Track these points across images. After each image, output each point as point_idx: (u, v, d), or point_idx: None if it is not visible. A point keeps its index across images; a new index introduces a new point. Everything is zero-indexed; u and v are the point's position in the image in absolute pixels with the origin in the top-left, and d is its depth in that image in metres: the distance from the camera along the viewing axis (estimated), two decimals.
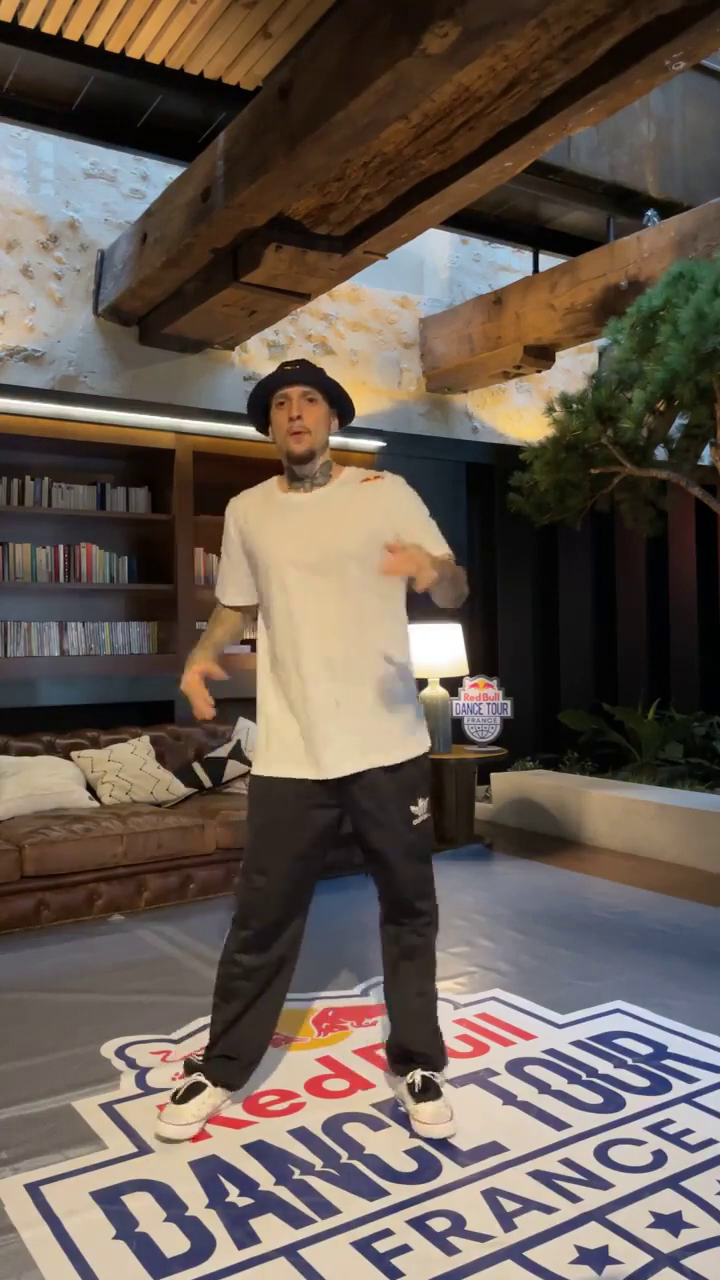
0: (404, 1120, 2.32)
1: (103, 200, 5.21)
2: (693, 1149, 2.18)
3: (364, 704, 2.29)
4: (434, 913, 2.42)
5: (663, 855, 4.94)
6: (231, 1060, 2.35)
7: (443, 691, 5.21)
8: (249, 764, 4.39)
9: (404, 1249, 1.85)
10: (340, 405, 2.39)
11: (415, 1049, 2.38)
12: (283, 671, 2.31)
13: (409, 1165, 2.14)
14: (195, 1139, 2.26)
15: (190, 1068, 2.40)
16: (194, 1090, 2.31)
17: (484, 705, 5.37)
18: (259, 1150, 2.21)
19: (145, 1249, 1.87)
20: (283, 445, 2.33)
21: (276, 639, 2.32)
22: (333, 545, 2.29)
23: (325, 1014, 2.98)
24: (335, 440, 5.89)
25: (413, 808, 2.32)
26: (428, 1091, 2.30)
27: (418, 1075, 2.33)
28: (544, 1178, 2.08)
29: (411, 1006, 2.39)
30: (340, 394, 2.38)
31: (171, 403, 5.28)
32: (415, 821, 2.33)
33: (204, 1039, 2.76)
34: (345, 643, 2.28)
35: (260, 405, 2.38)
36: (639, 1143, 2.22)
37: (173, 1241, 1.89)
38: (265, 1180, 2.09)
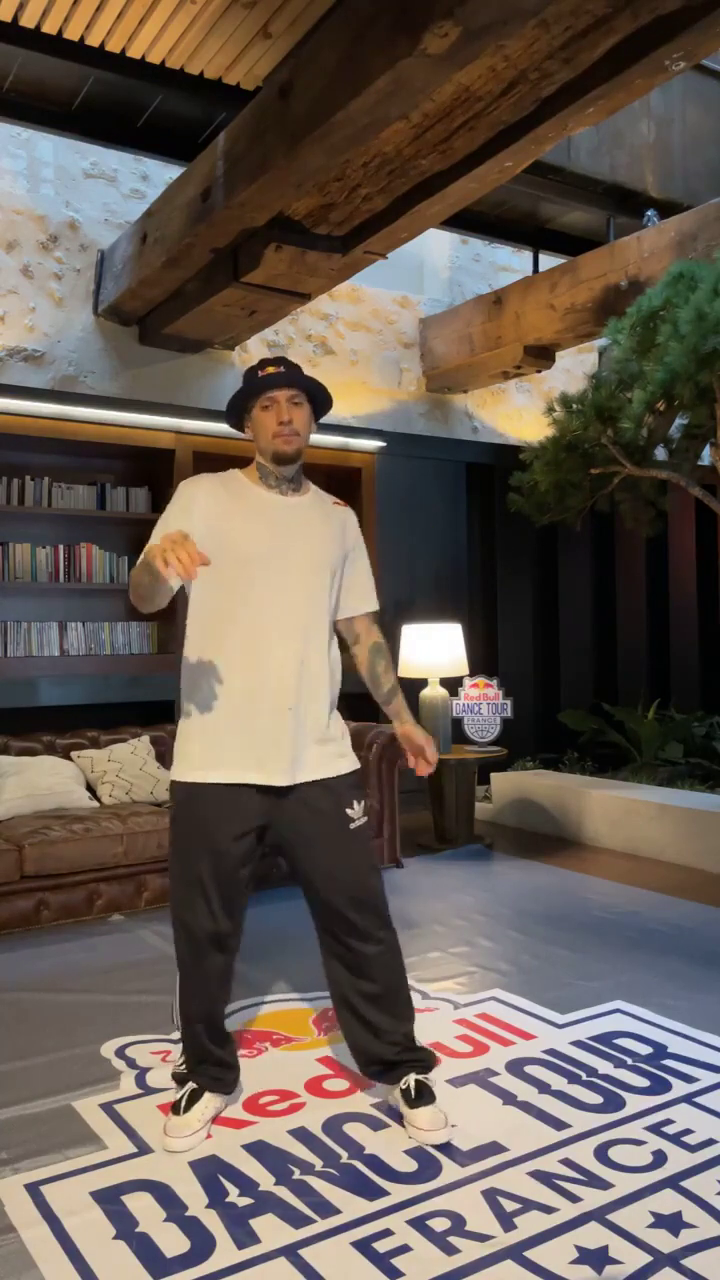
0: (403, 1120, 2.32)
1: (103, 200, 5.21)
2: (693, 1149, 2.18)
3: (318, 712, 2.28)
4: (391, 925, 2.34)
5: (663, 855, 4.94)
6: (221, 1067, 2.35)
7: (443, 691, 5.21)
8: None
9: (404, 1249, 1.85)
10: (319, 403, 2.36)
11: (396, 1052, 2.32)
12: (238, 669, 2.23)
13: (409, 1165, 2.14)
14: None
15: (181, 1080, 2.37)
16: (194, 1098, 2.29)
17: (484, 705, 5.37)
18: (259, 1150, 2.21)
19: (145, 1249, 1.87)
20: (269, 446, 2.29)
21: (233, 635, 2.23)
22: (313, 554, 2.30)
23: (325, 1014, 2.98)
24: (334, 441, 5.94)
25: (349, 810, 2.29)
26: (423, 1096, 2.28)
27: (411, 1080, 2.30)
28: (544, 1178, 2.08)
29: (390, 1017, 2.33)
30: (321, 394, 2.35)
31: (171, 403, 5.28)
32: (352, 825, 2.29)
33: None
34: (306, 648, 2.26)
35: (242, 403, 2.33)
36: (639, 1143, 2.22)
37: (173, 1241, 1.89)
38: (265, 1180, 2.09)
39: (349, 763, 2.34)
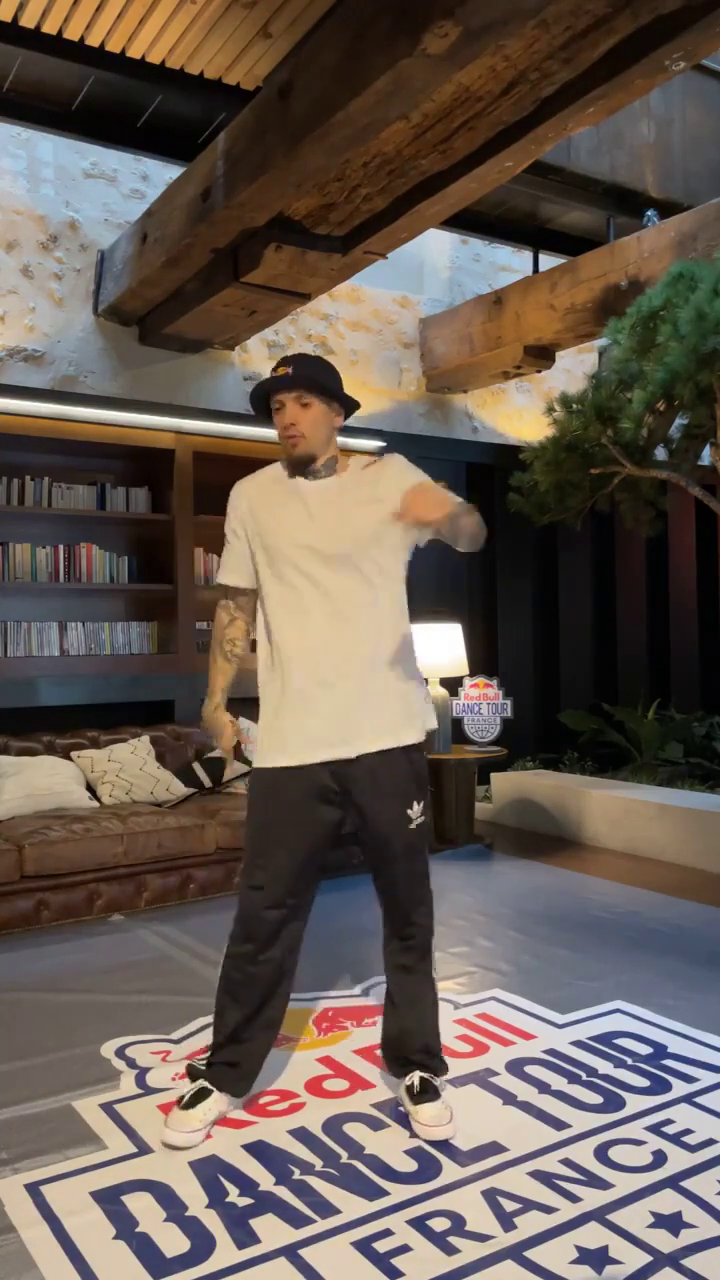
0: (404, 1120, 2.32)
1: (103, 200, 5.21)
2: (693, 1149, 2.18)
3: (374, 686, 2.29)
4: (430, 920, 2.40)
5: (663, 855, 4.94)
6: (234, 1067, 2.33)
7: (443, 691, 5.21)
8: (249, 764, 4.39)
9: (404, 1249, 1.85)
10: (341, 400, 2.35)
11: (413, 1054, 2.36)
12: (290, 659, 2.29)
13: (409, 1165, 2.14)
14: None
15: (194, 1073, 2.38)
16: (200, 1096, 2.29)
17: (484, 705, 5.37)
18: (259, 1150, 2.21)
19: (145, 1249, 1.87)
20: (283, 448, 2.35)
21: (284, 625, 2.30)
22: (344, 532, 2.29)
23: (325, 1014, 2.98)
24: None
25: (409, 811, 2.32)
26: (426, 1093, 2.29)
27: (416, 1077, 2.33)
28: (544, 1178, 2.08)
29: (411, 1011, 2.38)
30: (338, 390, 2.34)
31: (171, 403, 5.28)
32: (411, 825, 2.32)
33: (204, 1039, 2.77)
34: (355, 628, 2.28)
35: (264, 409, 2.37)
36: (639, 1143, 2.22)
37: (173, 1241, 1.89)
38: (265, 1180, 2.09)
39: (414, 733, 2.34)
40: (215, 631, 2.51)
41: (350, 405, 2.38)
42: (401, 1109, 2.35)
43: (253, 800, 2.35)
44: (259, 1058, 2.38)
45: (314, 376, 2.30)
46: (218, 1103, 2.31)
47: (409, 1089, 2.32)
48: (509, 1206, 1.98)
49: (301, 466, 2.34)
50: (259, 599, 2.40)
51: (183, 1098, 2.30)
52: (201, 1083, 2.32)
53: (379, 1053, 2.52)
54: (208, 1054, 2.39)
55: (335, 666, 2.27)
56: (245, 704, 2.64)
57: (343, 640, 2.27)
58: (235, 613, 2.49)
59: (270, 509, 2.35)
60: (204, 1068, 2.36)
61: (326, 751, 2.27)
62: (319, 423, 2.31)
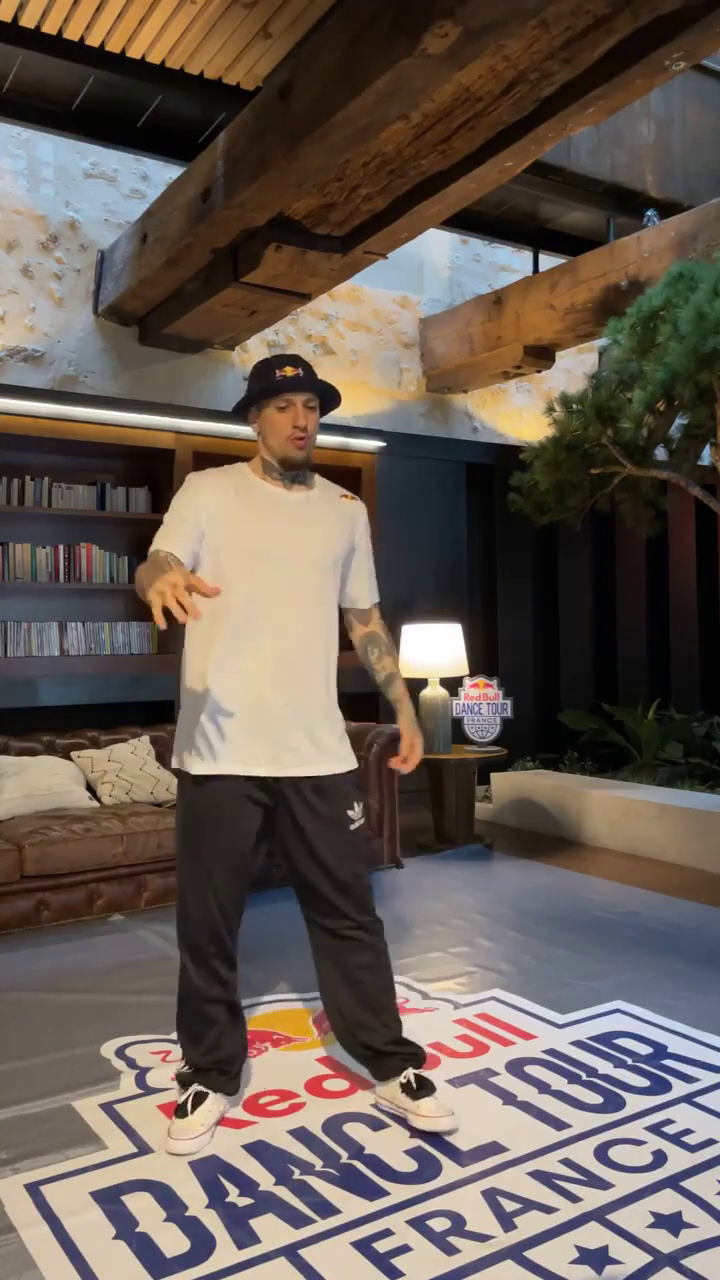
0: (404, 1120, 2.32)
1: (103, 200, 5.21)
2: (693, 1149, 2.18)
3: (318, 707, 2.30)
4: (373, 913, 2.39)
5: (663, 855, 4.94)
6: (225, 1071, 2.34)
7: (443, 691, 5.21)
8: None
9: (404, 1249, 1.85)
10: (328, 404, 2.39)
11: (398, 1046, 2.35)
12: (240, 663, 2.24)
13: (409, 1165, 2.14)
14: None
15: (185, 1081, 2.36)
16: (198, 1100, 2.28)
17: (484, 705, 5.37)
18: (259, 1150, 2.21)
19: (145, 1249, 1.87)
20: (280, 450, 2.30)
21: (235, 628, 2.24)
22: (316, 548, 2.31)
23: (325, 1014, 2.98)
24: (334, 441, 5.94)
25: (349, 812, 2.32)
26: (424, 1088, 2.29)
27: (411, 1074, 2.31)
28: (544, 1178, 2.08)
29: (383, 1002, 2.36)
30: (332, 400, 2.38)
31: (171, 403, 5.28)
32: (352, 826, 2.33)
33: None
34: (307, 642, 2.28)
35: (256, 399, 2.32)
36: (639, 1143, 2.22)
37: (173, 1241, 1.89)
38: (265, 1180, 2.09)
39: (347, 763, 2.35)
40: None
41: (325, 414, 2.42)
42: (392, 1109, 2.34)
43: (186, 807, 2.29)
44: (243, 1052, 2.40)
45: (321, 385, 2.32)
46: (216, 1104, 2.31)
47: (404, 1086, 2.30)
48: (509, 1206, 1.98)
49: (297, 467, 2.33)
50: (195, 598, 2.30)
51: (182, 1106, 2.28)
52: (196, 1088, 2.31)
53: (355, 1069, 2.49)
54: (189, 1065, 2.36)
55: (287, 678, 2.25)
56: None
57: (296, 653, 2.27)
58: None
59: (245, 512, 2.29)
60: (191, 1074, 2.34)
61: (267, 767, 2.24)
62: (315, 432, 2.34)
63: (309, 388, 2.29)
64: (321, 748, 2.29)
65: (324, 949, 2.38)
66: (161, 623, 1.85)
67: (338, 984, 2.37)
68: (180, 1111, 2.27)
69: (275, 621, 2.26)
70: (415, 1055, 2.36)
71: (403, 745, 2.46)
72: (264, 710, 2.24)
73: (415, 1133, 2.26)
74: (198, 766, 2.26)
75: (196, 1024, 2.34)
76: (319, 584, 2.32)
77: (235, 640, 2.25)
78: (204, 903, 2.27)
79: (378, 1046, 2.35)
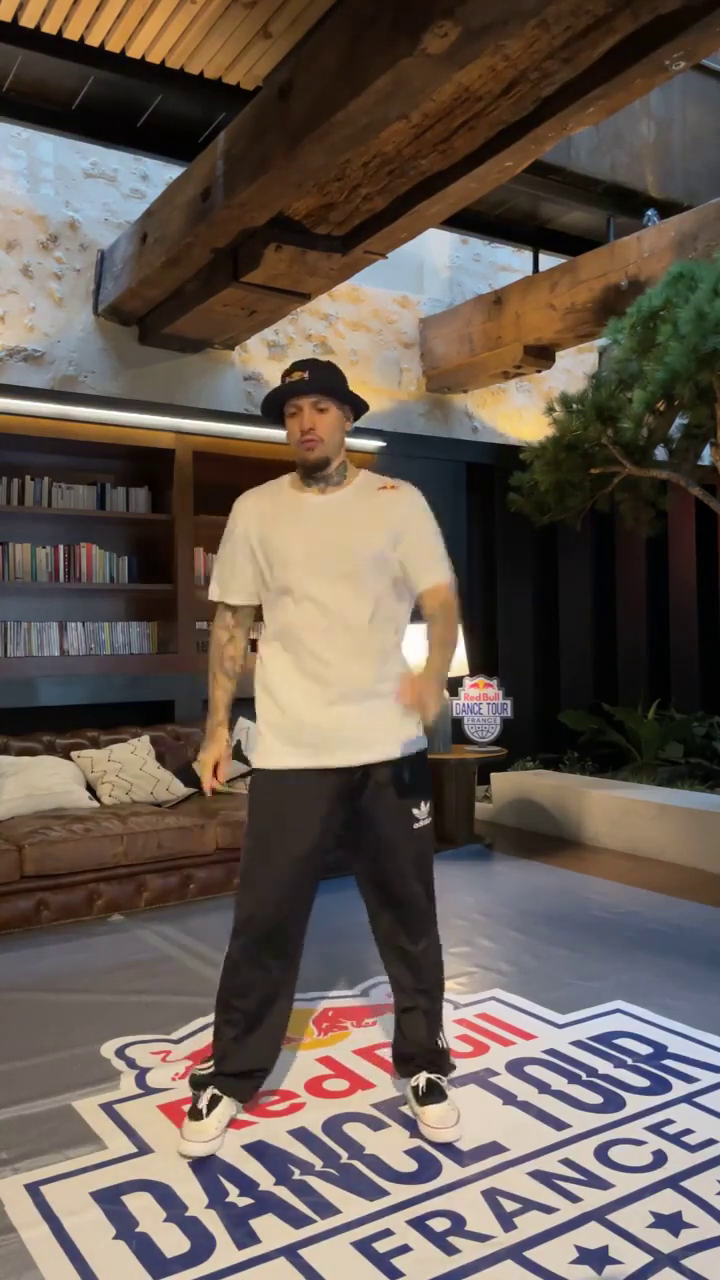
0: (404, 1120, 2.32)
1: (103, 200, 5.21)
2: (693, 1149, 2.18)
3: (374, 701, 2.29)
4: (435, 926, 2.42)
5: (663, 855, 4.94)
6: (243, 1077, 2.31)
7: None
8: (249, 764, 4.39)
9: (404, 1249, 1.85)
10: (352, 403, 2.37)
11: (417, 1052, 2.37)
12: (296, 668, 2.29)
13: (409, 1165, 2.14)
14: None
15: (199, 1083, 2.34)
16: (212, 1104, 2.27)
17: (484, 705, 5.37)
18: (259, 1150, 2.21)
19: (145, 1249, 1.87)
20: (296, 455, 2.33)
21: (291, 635, 2.30)
22: (350, 549, 2.29)
23: (325, 1014, 2.98)
24: None
25: (415, 810, 2.33)
26: (432, 1094, 2.29)
27: (422, 1079, 2.33)
28: (544, 1178, 2.08)
29: (415, 1012, 2.39)
30: (349, 392, 2.35)
31: (171, 403, 5.28)
32: (416, 825, 2.33)
33: (204, 1039, 2.77)
34: (361, 640, 2.28)
35: (275, 410, 2.36)
36: (639, 1143, 2.22)
37: (173, 1241, 1.89)
38: (265, 1180, 2.09)
39: (418, 743, 2.36)
40: (213, 649, 2.49)
41: (360, 408, 2.39)
42: (408, 1111, 2.35)
43: (253, 802, 2.34)
44: (269, 1064, 2.36)
45: (330, 381, 2.31)
46: (229, 1108, 2.29)
47: (415, 1089, 2.32)
48: (509, 1206, 1.98)
49: (316, 471, 2.33)
50: (264, 608, 2.40)
51: (196, 1109, 2.26)
52: (213, 1090, 2.29)
53: (381, 1053, 2.53)
54: (210, 1064, 2.35)
55: (340, 681, 2.27)
56: (241, 704, 2.62)
57: (346, 655, 2.27)
58: (234, 629, 2.48)
59: (278, 524, 2.33)
60: (208, 1076, 2.33)
61: (329, 758, 2.27)
62: (334, 427, 2.32)
63: (310, 390, 2.28)
64: (377, 735, 2.29)
65: (383, 939, 2.42)
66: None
67: (396, 967, 2.41)
68: (195, 1114, 2.25)
69: (317, 628, 2.27)
70: (433, 1061, 2.36)
71: (412, 686, 2.24)
72: (309, 712, 2.27)
73: (417, 1133, 2.26)
74: (262, 761, 2.34)
75: (222, 1009, 2.33)
76: (358, 584, 2.28)
77: (285, 648, 2.31)
78: (260, 895, 2.28)
79: (402, 1046, 2.40)
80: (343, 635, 2.28)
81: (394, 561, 2.33)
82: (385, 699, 2.29)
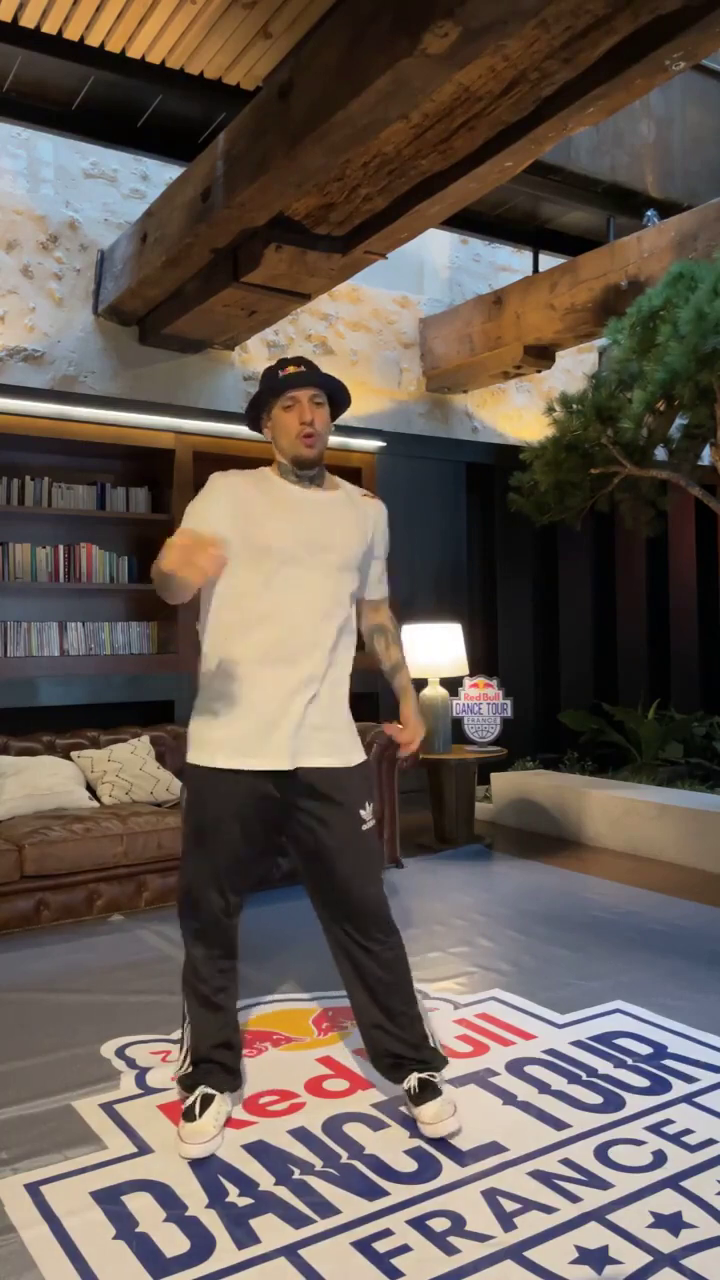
0: (404, 1120, 2.31)
1: (103, 200, 5.21)
2: (693, 1149, 2.18)
3: (333, 702, 2.30)
4: (394, 928, 2.37)
5: (663, 855, 4.94)
6: (227, 1067, 2.33)
7: (443, 691, 5.21)
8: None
9: (404, 1249, 1.85)
10: (337, 403, 2.38)
11: (407, 1054, 2.33)
12: (258, 659, 2.24)
13: (409, 1165, 2.14)
14: None
15: (188, 1085, 2.34)
16: (206, 1102, 2.27)
17: (484, 705, 5.37)
18: (259, 1150, 2.21)
19: (145, 1249, 1.87)
20: (290, 449, 2.30)
21: (253, 624, 2.25)
22: (337, 547, 2.30)
23: (325, 1014, 2.98)
24: (334, 441, 5.94)
25: (361, 812, 2.31)
26: (425, 1092, 2.28)
27: (414, 1079, 2.30)
28: (544, 1178, 2.08)
29: (400, 1014, 2.34)
30: (340, 394, 2.36)
31: (171, 403, 5.28)
32: (364, 827, 2.31)
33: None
34: (325, 640, 2.28)
35: (264, 402, 2.34)
36: (639, 1143, 2.22)
37: (173, 1241, 1.89)
38: (265, 1180, 2.09)
39: (359, 754, 2.36)
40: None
41: (343, 408, 2.41)
42: (406, 1112, 2.34)
43: (193, 799, 2.29)
44: (240, 1049, 2.41)
45: (327, 380, 2.32)
46: (223, 1104, 2.30)
47: (409, 1092, 2.30)
48: (509, 1206, 1.98)
49: (308, 468, 2.32)
50: (215, 598, 2.31)
51: (190, 1110, 2.26)
52: (203, 1090, 2.29)
53: (355, 1069, 2.50)
54: (189, 1065, 2.34)
55: (299, 675, 2.24)
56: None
57: (315, 651, 2.26)
58: None
59: (264, 512, 2.30)
60: (194, 1072, 2.33)
61: (275, 760, 2.23)
62: (328, 425, 2.33)
63: (312, 383, 2.28)
64: (333, 743, 2.29)
65: (339, 950, 2.37)
66: (180, 570, 2.03)
67: (355, 985, 2.36)
68: (189, 1115, 2.25)
69: (290, 617, 2.25)
70: (424, 1061, 2.33)
71: (405, 727, 2.49)
72: (274, 704, 2.23)
73: (417, 1133, 2.26)
74: (205, 759, 2.26)
75: (200, 1009, 2.33)
76: (336, 583, 2.30)
77: (248, 635, 2.26)
78: (206, 891, 2.28)
79: (395, 1052, 2.33)
80: (314, 630, 2.27)
81: (359, 571, 2.39)
82: (341, 706, 2.32)
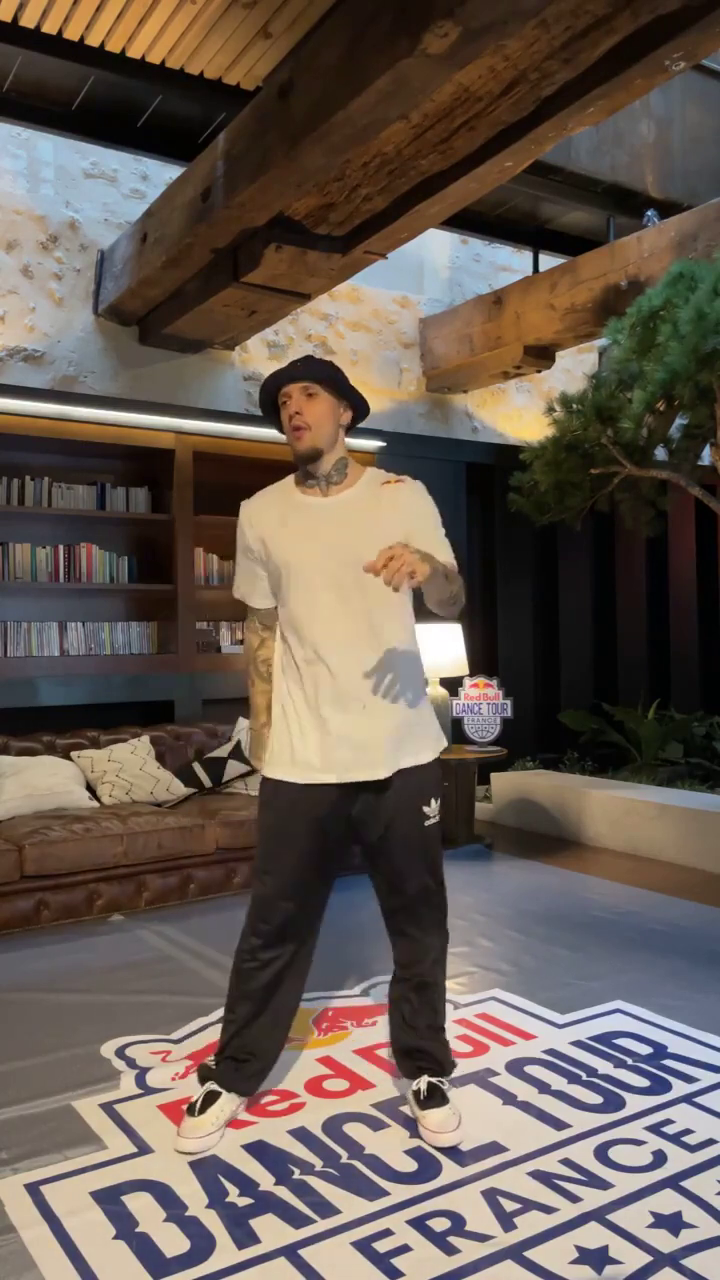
0: (404, 1120, 2.32)
1: (103, 200, 5.21)
2: (693, 1149, 2.18)
3: (392, 705, 2.27)
4: (445, 928, 2.43)
5: (663, 855, 4.94)
6: (242, 1064, 2.31)
7: (443, 691, 5.21)
8: (249, 764, 4.38)
9: (404, 1249, 1.85)
10: (350, 398, 2.31)
11: (419, 1045, 2.35)
12: (303, 676, 2.27)
13: (409, 1165, 2.14)
14: None
15: (204, 1074, 2.36)
16: (209, 1100, 2.27)
17: (484, 705, 5.37)
18: (259, 1150, 2.21)
19: (145, 1249, 1.87)
20: (290, 447, 2.28)
21: (298, 643, 2.27)
22: (354, 552, 2.19)
23: (325, 1014, 2.98)
24: None
25: (425, 808, 2.31)
26: (433, 1098, 2.27)
27: (424, 1082, 2.30)
28: (544, 1178, 2.08)
29: (426, 1009, 2.37)
30: (347, 386, 2.30)
31: (171, 403, 5.28)
32: (427, 824, 2.32)
33: (204, 1039, 2.78)
34: (365, 648, 2.25)
35: (272, 408, 2.32)
36: (639, 1143, 2.22)
37: (173, 1241, 1.89)
38: (265, 1180, 2.09)
39: (430, 752, 2.35)
40: (247, 653, 2.51)
41: (360, 405, 2.33)
42: (408, 1112, 2.34)
43: (263, 805, 2.34)
44: (269, 1055, 2.35)
45: (323, 368, 2.26)
46: (228, 1104, 2.29)
47: (416, 1093, 2.30)
48: (509, 1206, 1.98)
49: (308, 462, 2.28)
50: (281, 611, 2.36)
51: (193, 1105, 2.27)
52: (210, 1086, 2.30)
53: (381, 1053, 2.52)
54: (212, 1058, 2.37)
55: (352, 687, 2.24)
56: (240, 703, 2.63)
57: (359, 661, 2.25)
58: (263, 632, 2.46)
59: (284, 528, 2.29)
60: (211, 1068, 2.34)
61: (339, 774, 2.24)
62: (326, 416, 2.24)
63: (298, 375, 2.24)
64: (387, 749, 2.26)
65: (395, 935, 2.42)
66: None
67: (397, 977, 2.41)
68: (191, 1109, 2.27)
69: (323, 628, 2.24)
70: (434, 1065, 2.34)
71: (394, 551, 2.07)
72: (318, 720, 2.25)
73: (417, 1133, 2.26)
74: (270, 770, 2.32)
75: (230, 996, 2.34)
76: (370, 584, 2.19)
77: (293, 650, 2.29)
78: (261, 884, 2.30)
79: (404, 1042, 2.38)
80: (351, 640, 2.24)
81: None
82: (402, 709, 2.29)
